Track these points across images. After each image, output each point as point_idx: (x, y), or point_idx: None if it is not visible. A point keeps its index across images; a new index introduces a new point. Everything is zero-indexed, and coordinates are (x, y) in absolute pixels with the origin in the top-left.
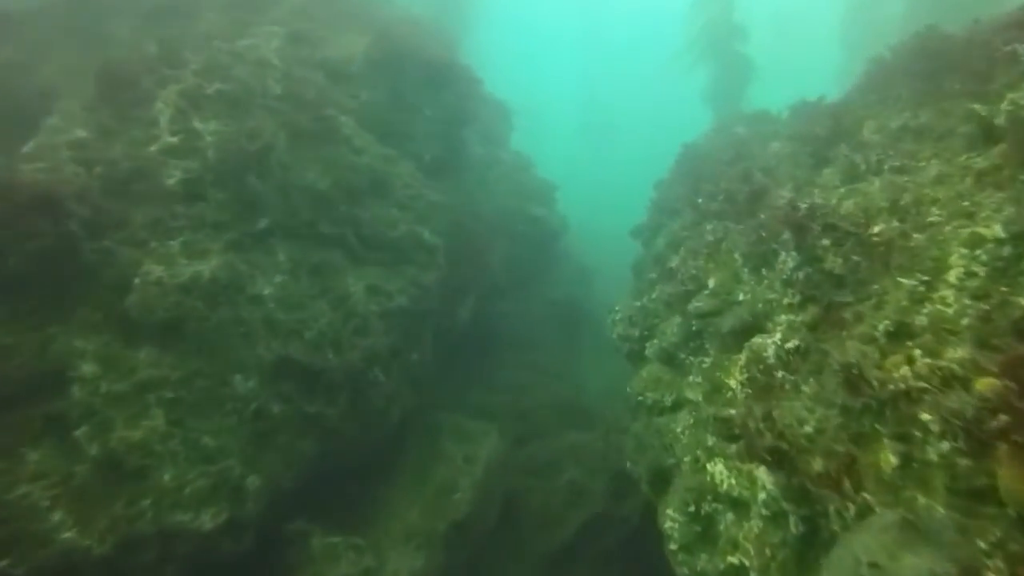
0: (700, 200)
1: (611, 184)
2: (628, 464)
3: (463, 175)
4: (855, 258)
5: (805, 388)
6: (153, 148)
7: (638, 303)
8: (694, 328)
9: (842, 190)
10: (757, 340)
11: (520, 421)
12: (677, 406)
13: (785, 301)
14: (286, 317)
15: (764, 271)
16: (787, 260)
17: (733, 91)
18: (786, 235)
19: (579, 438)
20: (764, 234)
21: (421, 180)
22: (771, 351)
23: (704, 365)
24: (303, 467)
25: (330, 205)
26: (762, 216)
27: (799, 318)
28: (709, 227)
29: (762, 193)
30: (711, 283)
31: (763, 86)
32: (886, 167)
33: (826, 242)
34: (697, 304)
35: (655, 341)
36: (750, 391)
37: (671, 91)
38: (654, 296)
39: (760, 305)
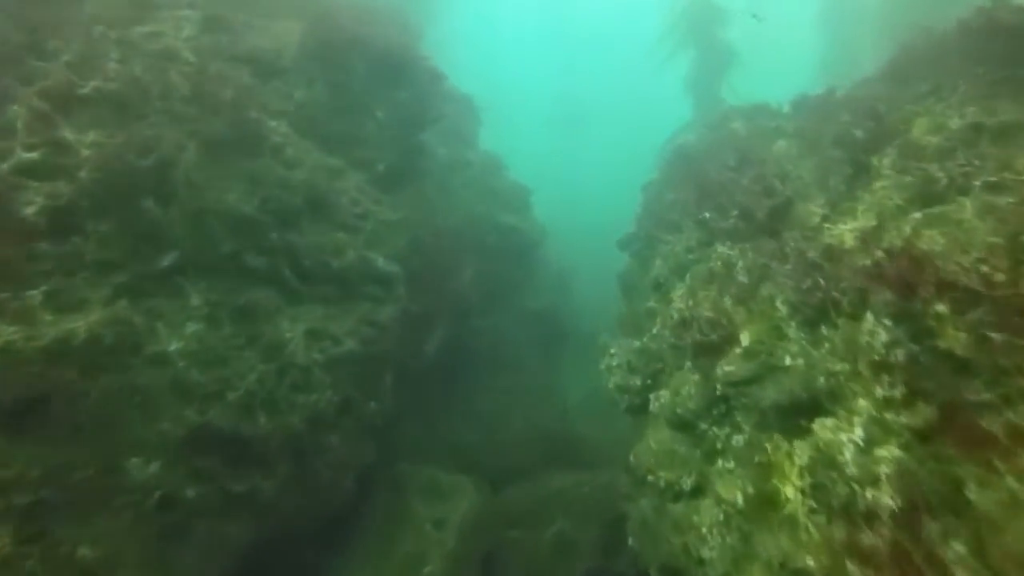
0: (707, 215)
1: (586, 178)
2: (630, 540)
3: (424, 184)
4: (990, 333)
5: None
6: (3, 167)
7: (637, 343)
8: (719, 392)
9: (917, 216)
10: (825, 433)
11: (499, 458)
12: (699, 491)
13: (880, 393)
14: (203, 377)
15: (824, 329)
16: (877, 331)
17: (713, 79)
18: (882, 295)
19: (566, 481)
20: (823, 282)
21: (373, 194)
22: (849, 455)
23: (737, 444)
24: (233, 556)
25: (258, 231)
26: (813, 256)
27: (901, 419)
28: (739, 264)
29: (785, 209)
30: (745, 339)
31: (741, 73)
32: (977, 182)
33: (942, 308)
34: (728, 369)
35: (663, 396)
36: (821, 513)
37: (648, 80)
38: (656, 334)
39: (821, 379)
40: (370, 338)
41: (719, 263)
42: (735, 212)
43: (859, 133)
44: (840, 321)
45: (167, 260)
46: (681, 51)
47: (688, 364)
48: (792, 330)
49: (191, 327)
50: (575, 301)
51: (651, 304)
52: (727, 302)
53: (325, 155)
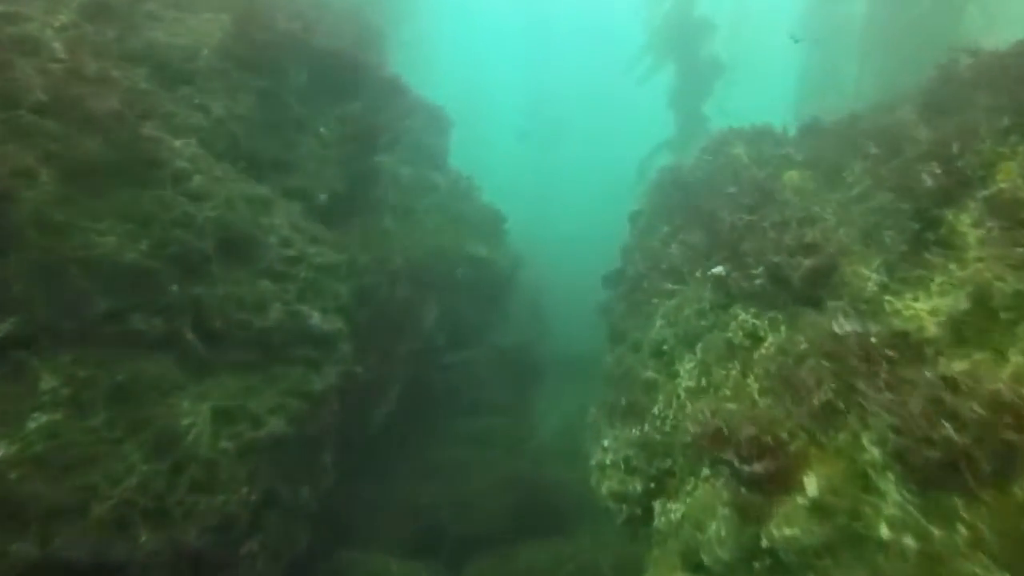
0: (722, 270)
1: (561, 191)
2: None
3: (379, 215)
4: None
5: None
6: None
7: (635, 432)
8: (764, 544)
9: None
10: None
11: (463, 521)
12: None
13: None
14: (49, 489)
15: (948, 497)
16: None
17: (697, 95)
18: None
19: (540, 556)
20: (953, 434)
21: (311, 231)
22: None
23: None
24: None
25: (149, 285)
26: (930, 386)
27: None
28: (770, 340)
29: (828, 272)
30: (811, 486)
31: (723, 89)
32: None
33: None
34: (789, 533)
35: (674, 512)
36: None
37: (627, 92)
38: (660, 415)
39: None
40: (301, 414)
41: (741, 334)
42: (760, 270)
43: (929, 181)
44: (986, 494)
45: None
46: (662, 64)
47: (707, 470)
48: (890, 486)
49: (37, 420)
50: (551, 321)
51: (651, 374)
52: (769, 407)
53: (249, 183)
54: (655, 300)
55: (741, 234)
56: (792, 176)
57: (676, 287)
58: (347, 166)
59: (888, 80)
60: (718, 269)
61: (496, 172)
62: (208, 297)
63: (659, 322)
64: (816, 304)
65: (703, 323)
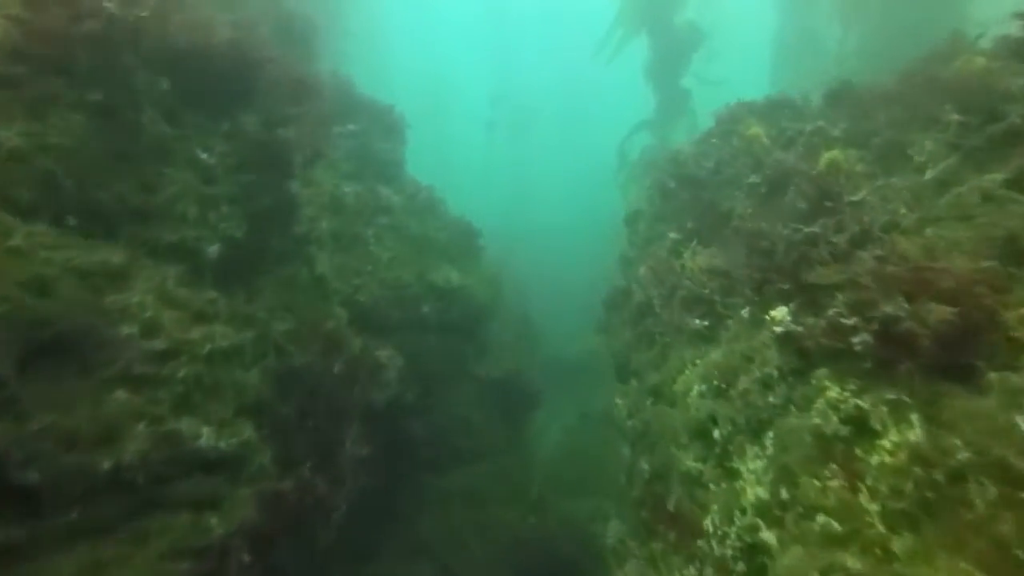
0: (788, 316)
1: (538, 181)
2: None
3: (302, 260)
4: None
5: None
6: None
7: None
8: None
9: None
10: None
11: None
12: None
13: None
14: None
15: None
16: None
17: (674, 67)
18: None
19: None
20: None
21: (196, 302)
22: None
23: None
24: None
25: None
26: None
27: None
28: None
29: (979, 326)
30: None
31: (703, 57)
32: None
33: None
34: None
35: None
36: None
37: (601, 72)
38: (725, 553)
39: None
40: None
41: (835, 420)
42: (857, 322)
43: None
44: None
45: None
46: (635, 37)
47: None
48: None
49: None
50: (539, 323)
51: (694, 464)
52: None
53: (87, 247)
54: (673, 339)
55: (803, 255)
56: (835, 159)
57: (705, 325)
58: (247, 202)
59: (877, 43)
60: (782, 315)
61: (466, 169)
62: (15, 440)
63: (697, 386)
64: (965, 378)
65: (771, 399)
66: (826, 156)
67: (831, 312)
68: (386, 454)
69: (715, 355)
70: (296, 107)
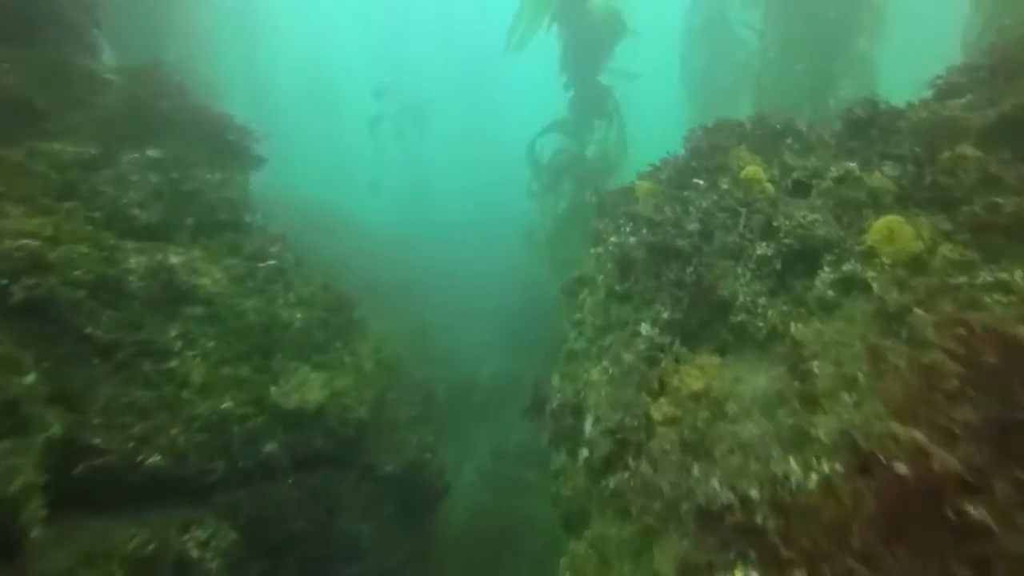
0: None
1: (438, 179)
2: None
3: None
4: None
5: None
6: None
7: None
8: None
9: None
10: None
11: None
12: None
13: None
14: None
15: None
16: None
17: (592, 59)
18: None
19: None
20: None
21: None
22: None
23: None
24: None
25: None
26: None
27: None
28: None
29: None
30: None
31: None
32: None
33: None
34: None
35: None
36: None
37: (508, 65)
38: None
39: None
40: None
41: None
42: None
43: None
44: None
45: None
46: (540, 26)
47: None
48: None
49: None
50: (448, 342)
51: None
52: None
53: None
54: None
55: None
56: (897, 233)
57: None
58: None
59: (799, 29)
60: None
61: (356, 171)
62: None
63: None
64: None
65: None
66: (877, 228)
67: None
68: None
69: None
70: None
